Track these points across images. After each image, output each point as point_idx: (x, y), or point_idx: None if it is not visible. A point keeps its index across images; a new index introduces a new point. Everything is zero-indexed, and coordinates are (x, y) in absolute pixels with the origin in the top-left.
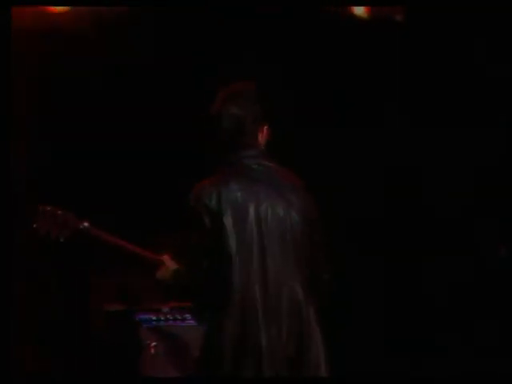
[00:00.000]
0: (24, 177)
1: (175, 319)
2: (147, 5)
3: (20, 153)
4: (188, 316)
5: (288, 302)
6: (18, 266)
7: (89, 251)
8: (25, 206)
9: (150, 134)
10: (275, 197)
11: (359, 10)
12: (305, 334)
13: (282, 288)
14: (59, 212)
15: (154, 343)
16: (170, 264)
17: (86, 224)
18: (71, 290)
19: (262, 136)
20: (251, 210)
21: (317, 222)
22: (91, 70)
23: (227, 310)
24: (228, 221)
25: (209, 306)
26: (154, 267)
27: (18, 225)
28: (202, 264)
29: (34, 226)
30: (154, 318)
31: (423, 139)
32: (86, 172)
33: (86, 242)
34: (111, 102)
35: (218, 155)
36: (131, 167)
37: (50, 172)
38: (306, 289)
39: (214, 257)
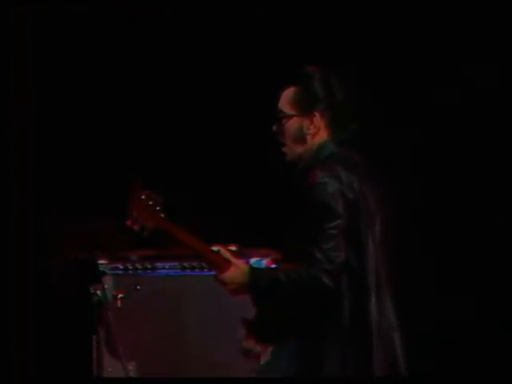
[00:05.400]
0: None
1: (144, 268)
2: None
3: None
4: (159, 265)
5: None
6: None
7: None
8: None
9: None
10: (371, 187)
11: None
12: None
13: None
14: (150, 203)
15: (120, 295)
16: (240, 265)
17: (162, 215)
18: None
19: None
20: (364, 199)
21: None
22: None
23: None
24: (359, 207)
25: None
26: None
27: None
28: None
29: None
30: (121, 266)
31: None
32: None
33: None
34: None
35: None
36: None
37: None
38: None
39: (350, 245)
